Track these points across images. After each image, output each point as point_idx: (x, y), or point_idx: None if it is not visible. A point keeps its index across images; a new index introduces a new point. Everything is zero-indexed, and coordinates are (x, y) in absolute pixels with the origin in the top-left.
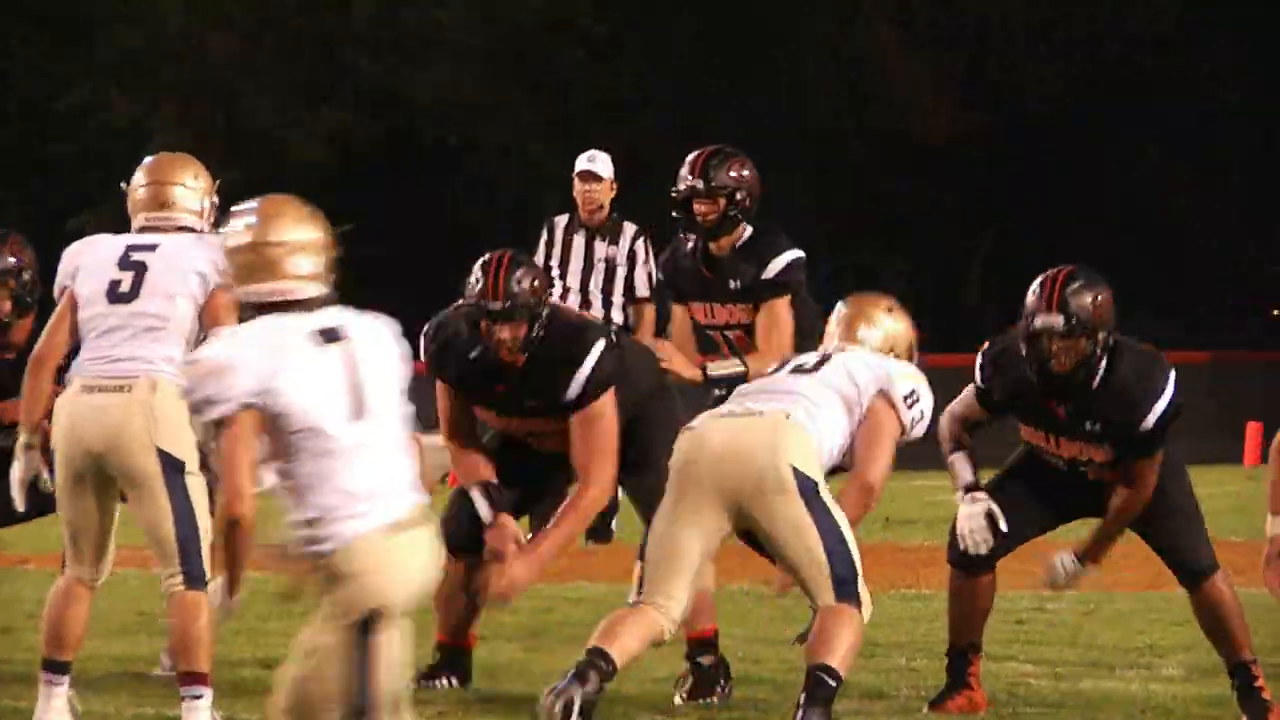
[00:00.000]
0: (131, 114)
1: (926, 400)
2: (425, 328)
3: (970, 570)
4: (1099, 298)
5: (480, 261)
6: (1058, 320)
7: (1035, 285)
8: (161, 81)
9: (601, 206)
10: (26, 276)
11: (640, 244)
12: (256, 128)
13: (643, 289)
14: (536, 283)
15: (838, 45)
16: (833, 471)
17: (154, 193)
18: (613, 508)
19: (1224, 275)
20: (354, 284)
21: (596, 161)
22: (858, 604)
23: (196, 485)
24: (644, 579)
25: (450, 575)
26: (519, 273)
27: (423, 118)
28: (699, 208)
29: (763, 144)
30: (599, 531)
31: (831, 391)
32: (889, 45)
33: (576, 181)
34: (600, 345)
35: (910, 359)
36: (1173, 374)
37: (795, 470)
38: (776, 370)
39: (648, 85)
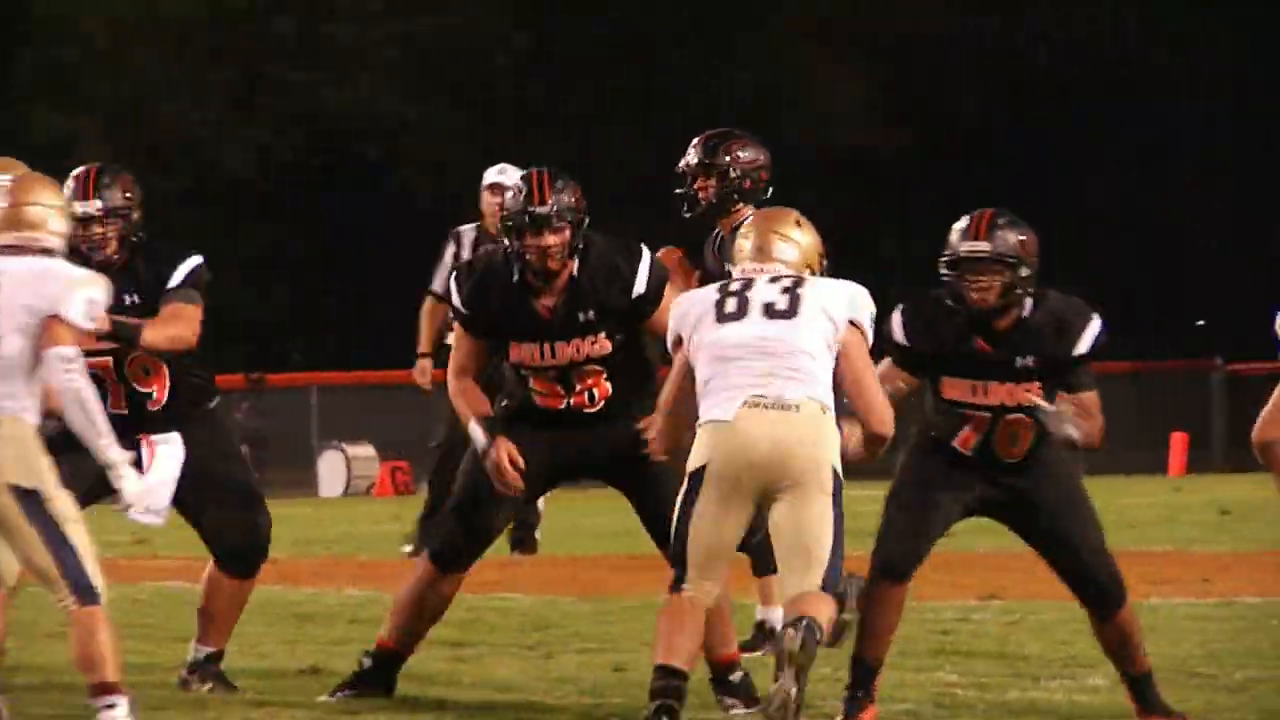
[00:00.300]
0: (56, 128)
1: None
2: (453, 274)
3: (894, 578)
4: (1025, 236)
5: (521, 175)
6: (984, 247)
7: (961, 221)
8: (87, 96)
9: None
10: (135, 216)
11: None
12: (182, 140)
13: None
14: (578, 194)
15: (766, 58)
16: None
17: (10, 214)
18: (536, 518)
19: (1147, 285)
20: (281, 291)
21: (507, 174)
22: (832, 594)
23: (59, 505)
24: (686, 564)
25: (420, 583)
26: (560, 182)
27: (346, 130)
28: (697, 185)
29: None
30: (524, 542)
31: (819, 336)
32: (814, 58)
33: (486, 194)
34: (642, 245)
35: (822, 268)
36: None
37: (835, 472)
38: (739, 311)
39: (571, 96)
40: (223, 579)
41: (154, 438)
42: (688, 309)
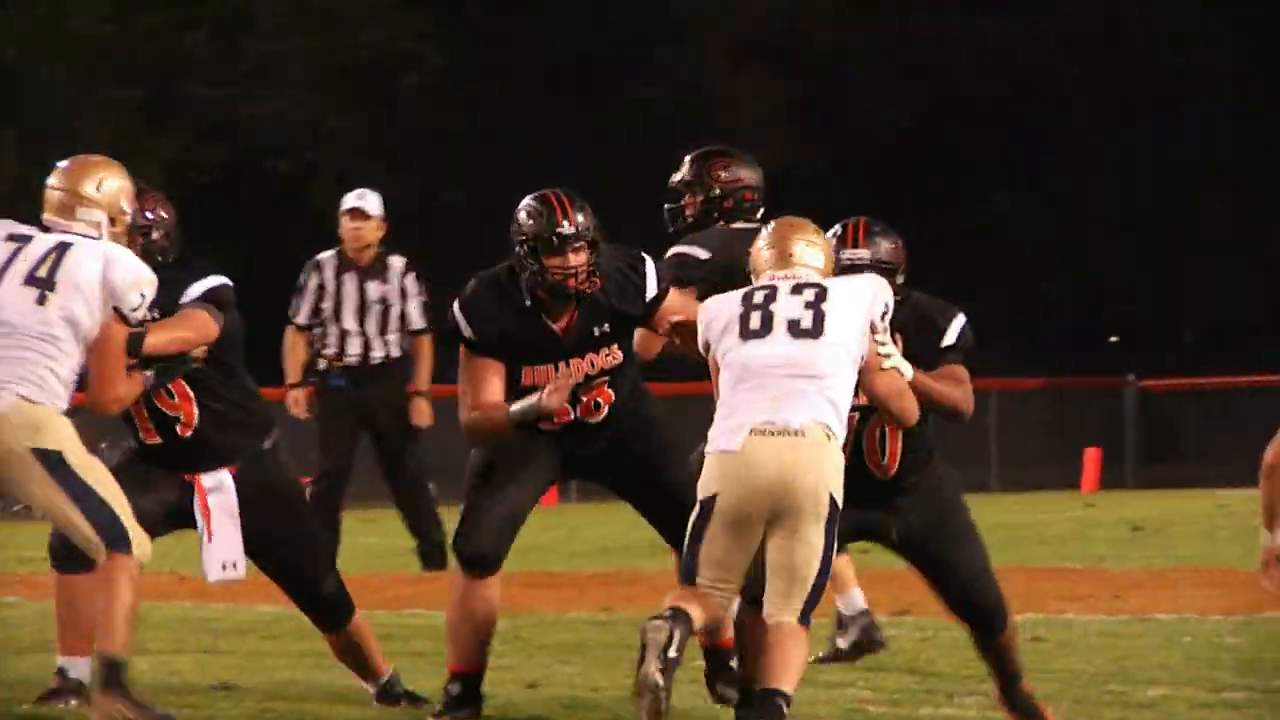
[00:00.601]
0: None
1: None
2: (456, 301)
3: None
4: (897, 243)
5: (533, 199)
6: (864, 254)
7: (835, 230)
8: None
9: (369, 245)
10: (156, 235)
11: (410, 278)
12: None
13: (418, 321)
14: (591, 213)
15: (679, 72)
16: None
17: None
18: (443, 535)
19: (1060, 300)
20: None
21: (366, 199)
22: (808, 624)
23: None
24: (696, 574)
25: (466, 596)
26: (579, 201)
27: (260, 145)
28: (684, 201)
29: (608, 172)
30: (432, 558)
31: (843, 354)
32: (729, 73)
33: (344, 219)
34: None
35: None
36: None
37: (832, 499)
38: (763, 328)
39: (486, 113)
40: (326, 635)
41: (205, 482)
42: (713, 317)
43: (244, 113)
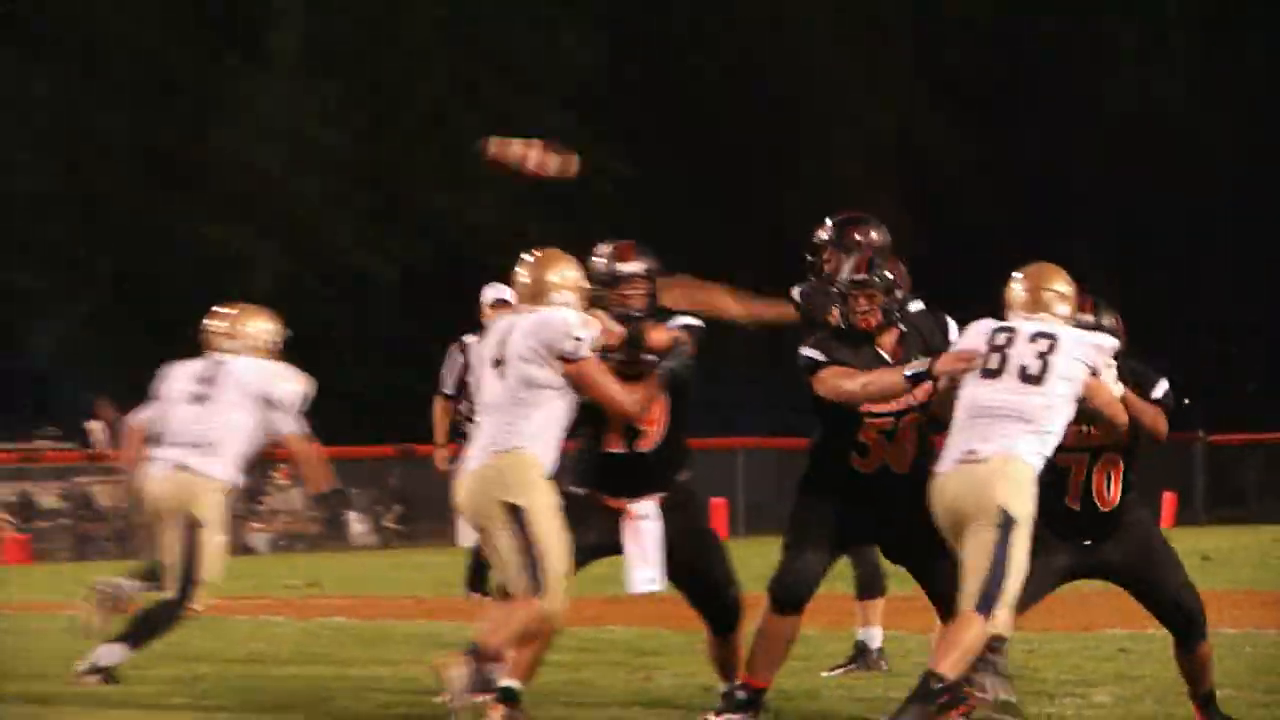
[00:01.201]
0: (236, 245)
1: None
2: (807, 344)
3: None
4: (1118, 317)
5: (857, 249)
6: (1090, 320)
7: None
8: (259, 216)
9: None
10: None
11: None
12: (339, 252)
13: None
14: (895, 270)
15: (818, 176)
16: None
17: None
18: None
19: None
20: (417, 374)
21: (506, 292)
22: (988, 614)
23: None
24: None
25: (773, 626)
26: (880, 259)
27: (475, 243)
28: (826, 255)
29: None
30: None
31: (1058, 400)
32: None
33: (488, 309)
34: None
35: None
36: None
37: (1003, 510)
38: (998, 369)
39: (663, 218)
40: (713, 637)
41: (635, 509)
42: (964, 347)
43: (464, 214)
